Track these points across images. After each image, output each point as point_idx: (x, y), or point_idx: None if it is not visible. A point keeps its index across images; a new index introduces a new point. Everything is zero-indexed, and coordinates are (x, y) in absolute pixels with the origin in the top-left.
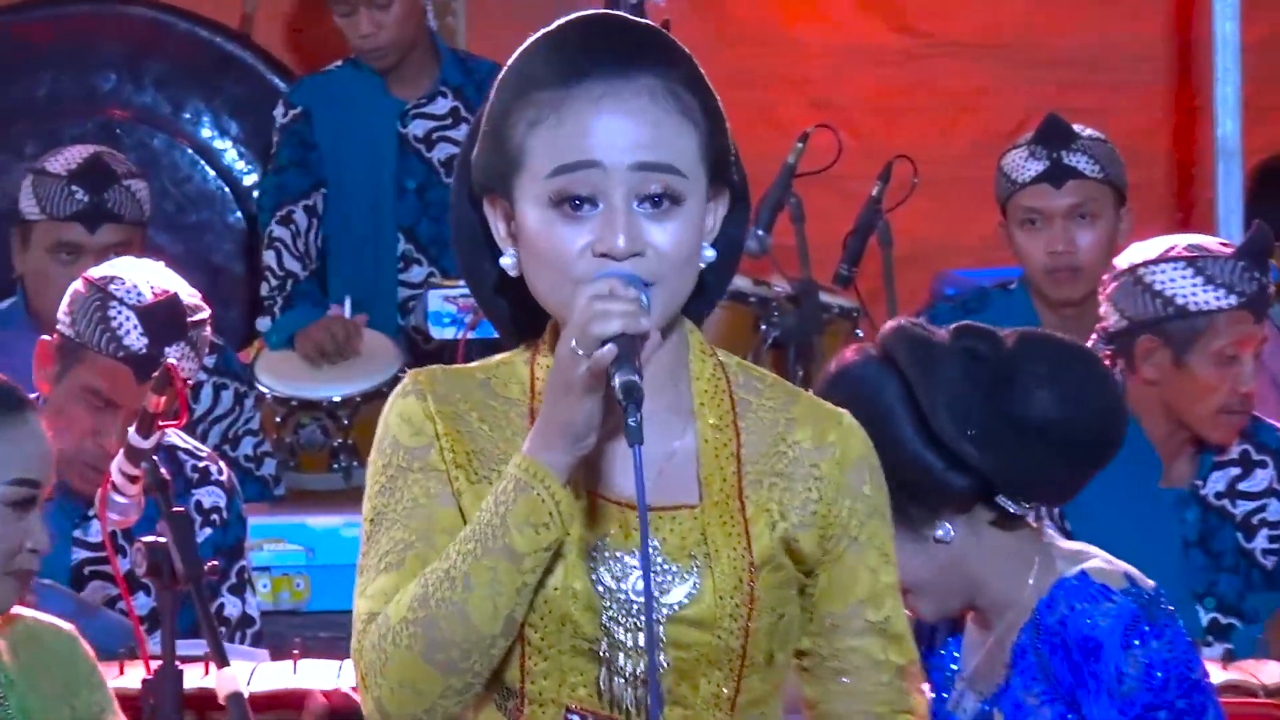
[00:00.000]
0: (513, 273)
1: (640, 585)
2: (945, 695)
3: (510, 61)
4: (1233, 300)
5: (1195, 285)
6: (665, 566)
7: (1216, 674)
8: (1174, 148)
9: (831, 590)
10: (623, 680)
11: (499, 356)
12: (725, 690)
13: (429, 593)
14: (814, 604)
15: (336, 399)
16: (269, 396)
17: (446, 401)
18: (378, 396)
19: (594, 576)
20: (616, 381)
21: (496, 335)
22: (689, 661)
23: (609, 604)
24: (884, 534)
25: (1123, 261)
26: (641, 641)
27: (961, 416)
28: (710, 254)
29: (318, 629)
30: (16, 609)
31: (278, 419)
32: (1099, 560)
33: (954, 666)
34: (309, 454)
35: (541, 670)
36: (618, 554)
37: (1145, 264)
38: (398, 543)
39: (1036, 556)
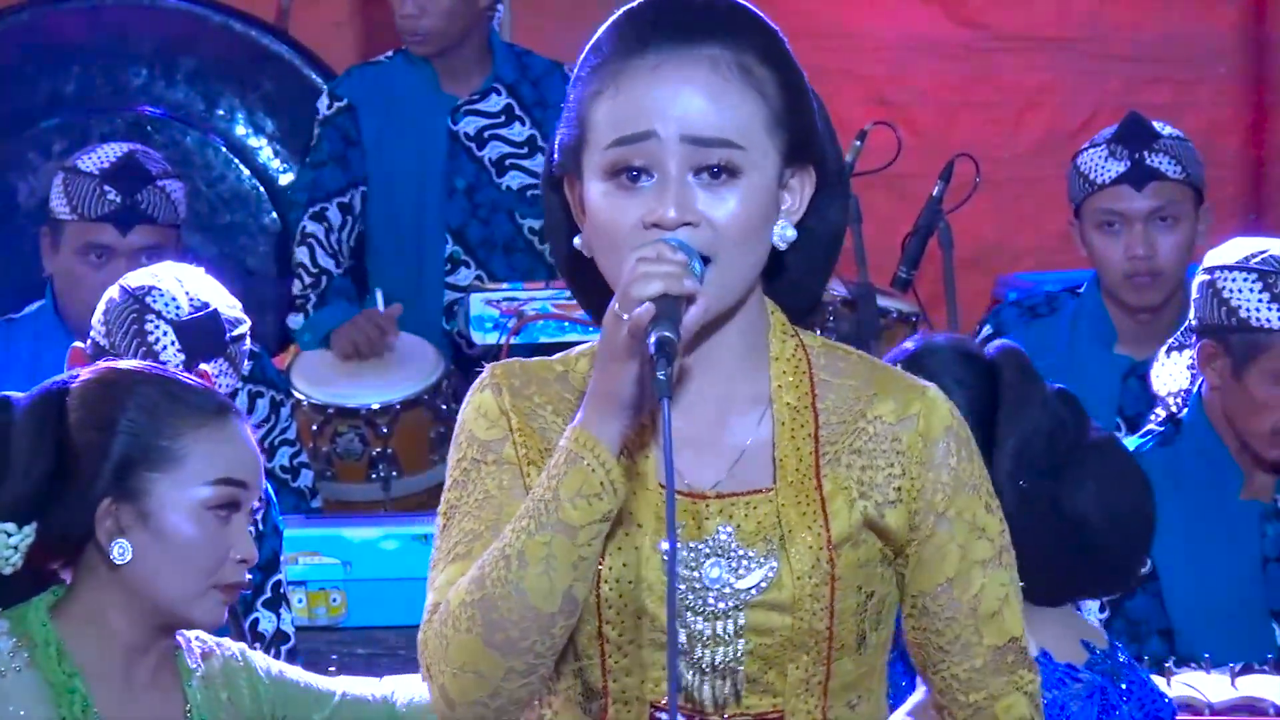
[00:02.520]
0: (585, 253)
1: (715, 574)
2: None
3: (589, 41)
4: None
5: (1261, 300)
6: (741, 552)
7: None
8: (1246, 146)
9: (920, 570)
10: (700, 673)
11: (579, 348)
12: (815, 674)
13: (485, 573)
14: (906, 585)
15: (375, 406)
16: (305, 404)
17: (521, 396)
18: (417, 404)
19: (667, 569)
20: (651, 338)
21: (542, 340)
22: (773, 647)
23: (685, 594)
24: (975, 506)
25: (1210, 259)
26: (718, 631)
27: (1025, 463)
28: (790, 233)
29: (354, 645)
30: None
31: (314, 427)
32: (1051, 624)
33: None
34: (346, 463)
35: (623, 668)
36: (691, 544)
37: (1221, 267)
38: (466, 533)
39: None
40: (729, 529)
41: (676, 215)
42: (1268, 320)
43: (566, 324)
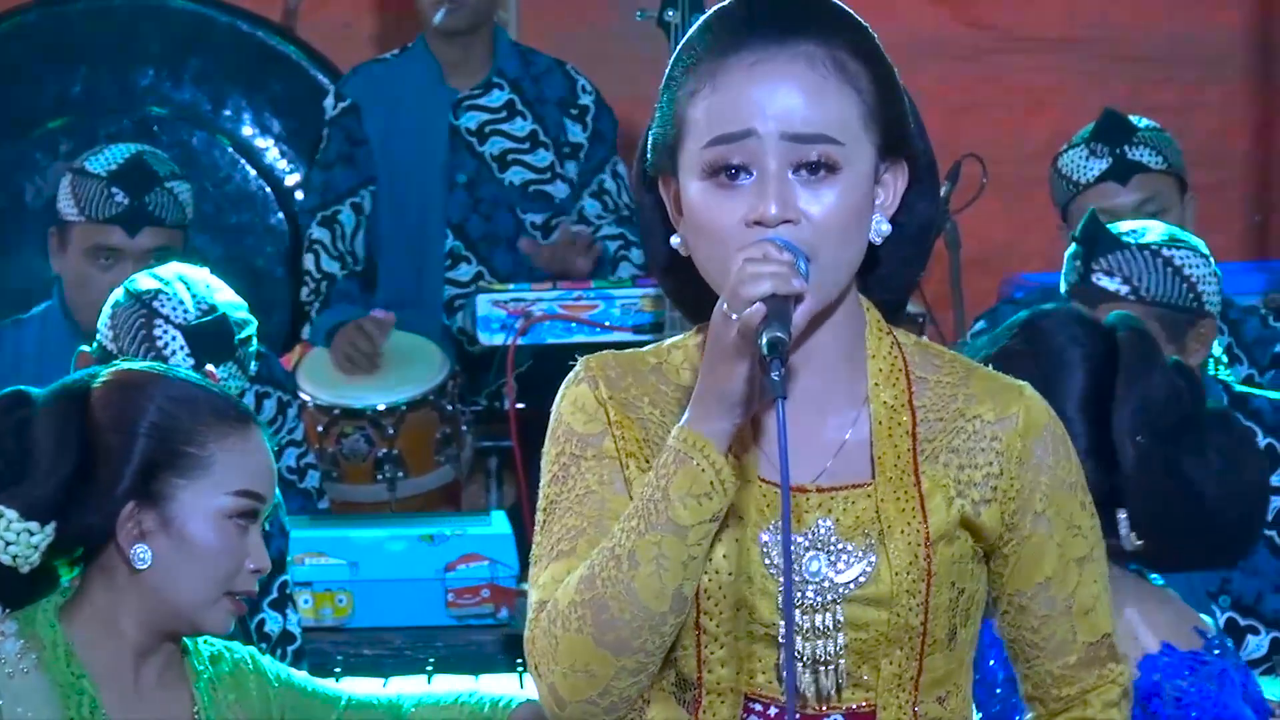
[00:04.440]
0: (682, 252)
1: (815, 567)
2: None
3: (682, 40)
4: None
5: (1215, 285)
6: (840, 546)
7: None
8: (1254, 147)
9: (1019, 569)
10: (801, 665)
11: (671, 340)
12: (908, 670)
13: (595, 573)
14: (1003, 584)
15: (381, 407)
16: (311, 405)
17: (618, 387)
18: (423, 405)
19: (767, 561)
20: (763, 338)
21: (549, 341)
22: (868, 642)
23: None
24: (1072, 505)
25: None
26: (819, 623)
27: (1143, 422)
28: (886, 228)
29: (361, 646)
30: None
31: (320, 428)
32: (1162, 613)
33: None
34: (352, 464)
35: (719, 658)
36: (791, 537)
37: (1174, 245)
38: (569, 529)
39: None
40: (829, 522)
41: (778, 212)
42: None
43: (574, 325)
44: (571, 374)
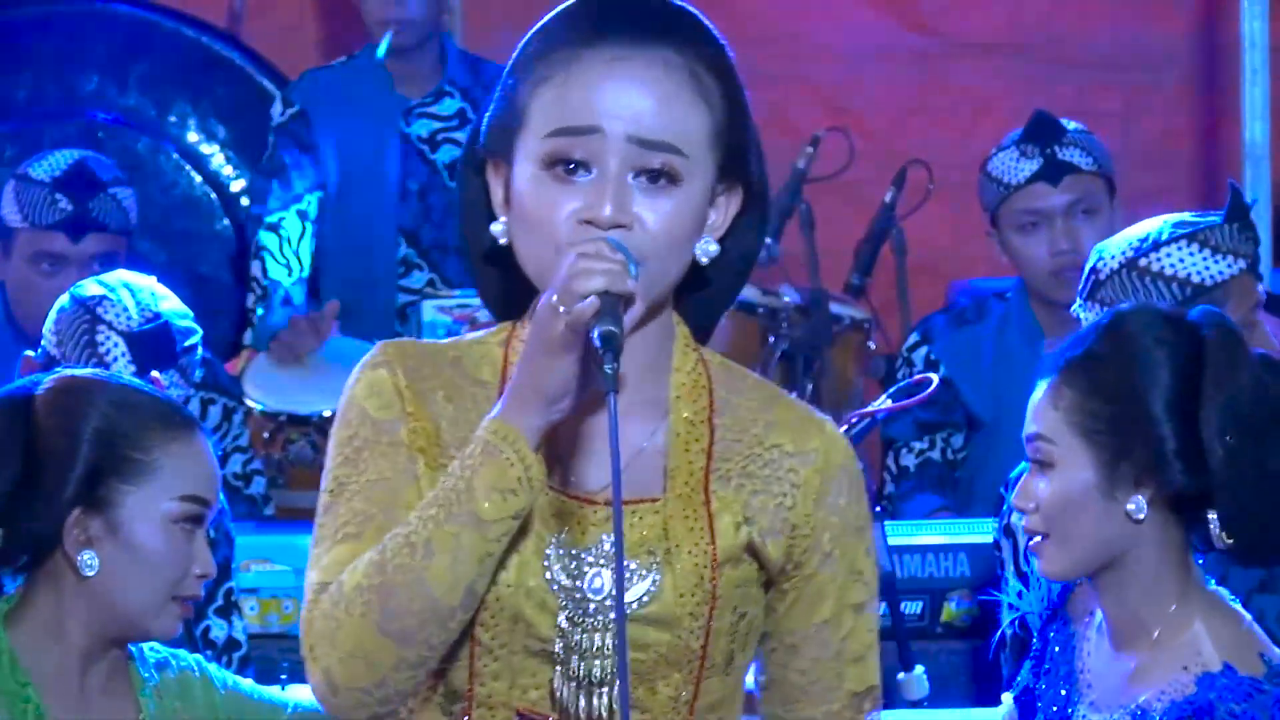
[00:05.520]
0: (502, 240)
1: (598, 584)
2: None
3: (535, 26)
4: (1241, 265)
5: (1205, 258)
6: (623, 563)
7: None
8: (1199, 152)
9: (797, 608)
10: (575, 684)
11: (472, 335)
12: (684, 693)
13: (386, 559)
14: (778, 620)
15: (326, 414)
16: (257, 411)
17: (417, 376)
18: None
19: (549, 575)
20: (596, 332)
21: None
22: (647, 663)
23: (565, 603)
24: (857, 550)
25: (1109, 256)
26: (598, 643)
27: (1231, 419)
28: (713, 248)
29: None
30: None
31: (265, 434)
32: (1230, 633)
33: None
34: (298, 471)
35: (492, 671)
36: (575, 551)
37: (1146, 252)
38: (358, 514)
39: (1184, 595)
40: (611, 538)
41: (613, 214)
42: (1220, 274)
43: None
44: (368, 356)
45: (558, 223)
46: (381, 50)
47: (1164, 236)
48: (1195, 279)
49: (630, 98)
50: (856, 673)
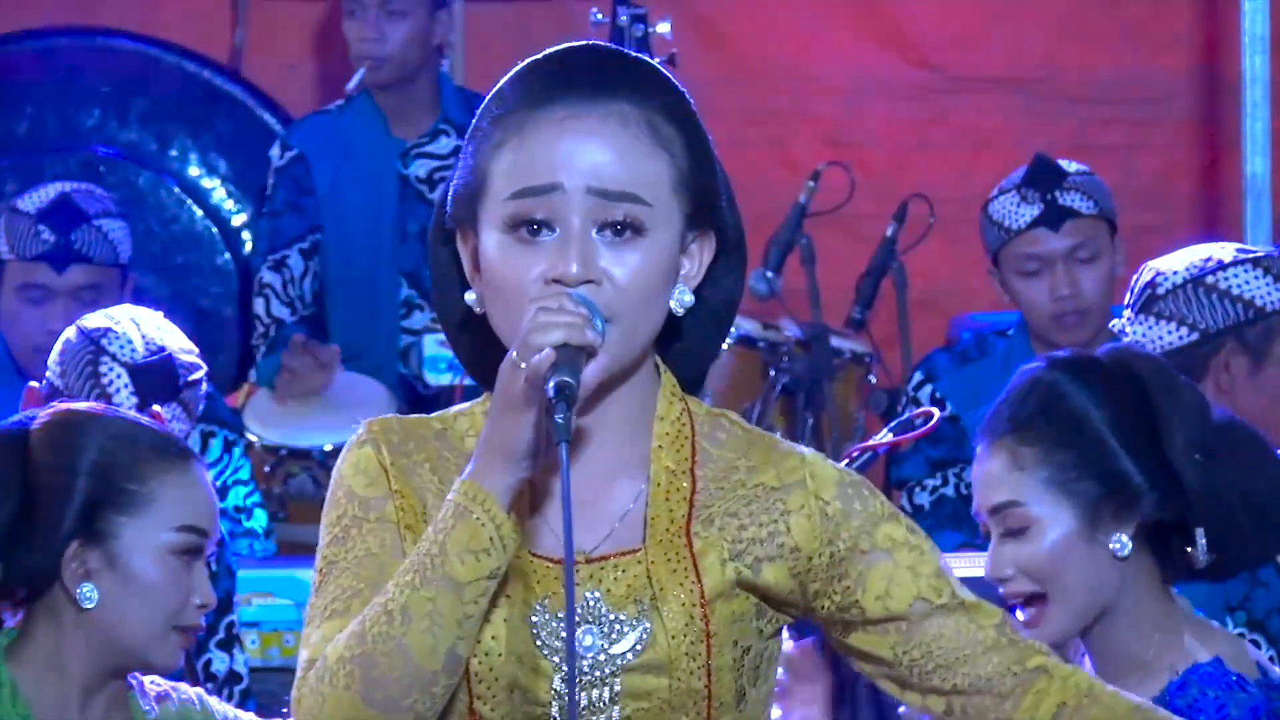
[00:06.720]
0: (477, 309)
1: (588, 641)
2: None
3: (491, 90)
4: None
5: (1268, 284)
6: (611, 617)
7: None
8: (1200, 187)
9: (883, 600)
10: None
11: (457, 407)
12: None
13: (366, 629)
14: (866, 619)
15: (328, 448)
16: (258, 445)
17: (401, 453)
18: None
19: (540, 641)
20: (551, 382)
21: None
22: (651, 711)
23: (558, 665)
24: (898, 530)
25: (1170, 272)
26: (594, 698)
27: (1195, 437)
28: (688, 298)
29: None
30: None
31: (266, 468)
32: (1226, 642)
33: None
34: (299, 505)
35: None
36: (558, 614)
37: (1212, 271)
38: (345, 590)
39: (1168, 620)
40: (597, 594)
41: (579, 271)
42: (1278, 301)
43: None
44: (354, 437)
45: (526, 286)
46: (351, 84)
47: (1228, 259)
48: (1258, 301)
49: (587, 151)
50: (983, 612)
